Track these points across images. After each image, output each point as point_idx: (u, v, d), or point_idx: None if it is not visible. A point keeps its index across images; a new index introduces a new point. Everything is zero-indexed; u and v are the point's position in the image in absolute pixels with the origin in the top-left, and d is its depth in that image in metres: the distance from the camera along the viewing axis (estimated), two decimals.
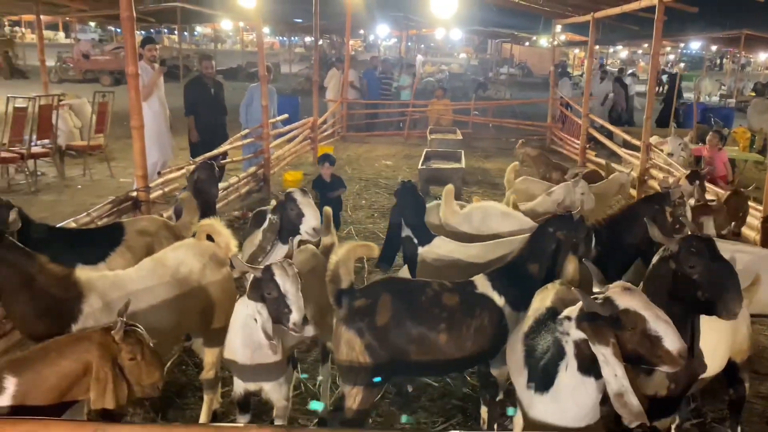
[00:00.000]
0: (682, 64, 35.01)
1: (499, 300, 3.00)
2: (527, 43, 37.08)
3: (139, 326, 2.37)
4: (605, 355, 2.12)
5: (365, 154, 12.73)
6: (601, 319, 2.14)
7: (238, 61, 30.78)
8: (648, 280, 2.58)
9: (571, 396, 2.22)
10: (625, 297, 2.17)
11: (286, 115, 10.60)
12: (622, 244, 3.94)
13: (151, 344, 2.37)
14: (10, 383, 2.17)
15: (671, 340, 2.11)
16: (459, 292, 2.98)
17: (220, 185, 7.75)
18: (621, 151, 9.97)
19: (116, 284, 3.08)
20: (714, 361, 2.89)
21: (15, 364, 2.24)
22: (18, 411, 2.16)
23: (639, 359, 2.18)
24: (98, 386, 2.21)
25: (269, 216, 3.64)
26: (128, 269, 3.26)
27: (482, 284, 3.06)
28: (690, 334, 2.51)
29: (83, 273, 3.03)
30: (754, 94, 20.83)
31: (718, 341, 2.89)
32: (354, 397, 2.81)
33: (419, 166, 8.88)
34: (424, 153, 9.59)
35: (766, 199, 5.64)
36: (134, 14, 5.01)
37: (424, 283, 3.03)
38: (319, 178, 6.59)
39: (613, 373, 2.11)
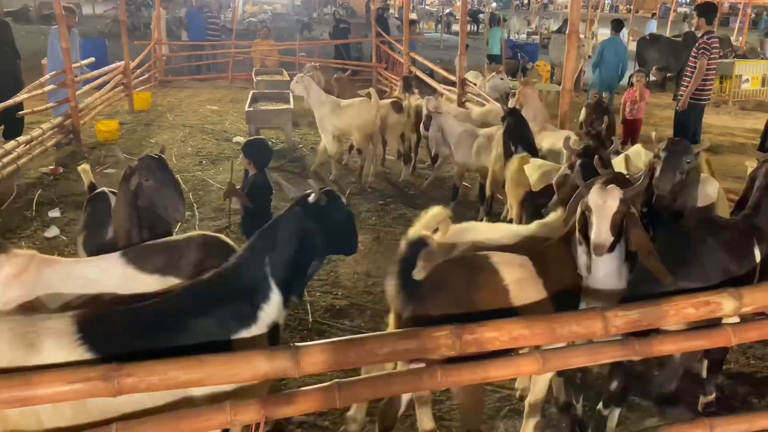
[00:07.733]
0: (494, 4, 37.07)
1: None
2: None
3: None
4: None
5: (187, 99, 12.05)
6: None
7: (27, 1, 26.92)
8: None
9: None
10: (599, 187, 2.68)
11: (92, 59, 9.65)
12: None
13: None
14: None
15: (595, 232, 2.63)
16: None
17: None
18: (440, 87, 10.49)
19: None
20: None
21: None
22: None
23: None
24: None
25: None
26: None
27: None
28: None
29: None
30: (553, 29, 22.64)
31: None
32: None
33: (246, 108, 8.59)
34: (250, 95, 9.28)
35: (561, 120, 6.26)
36: None
37: None
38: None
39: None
